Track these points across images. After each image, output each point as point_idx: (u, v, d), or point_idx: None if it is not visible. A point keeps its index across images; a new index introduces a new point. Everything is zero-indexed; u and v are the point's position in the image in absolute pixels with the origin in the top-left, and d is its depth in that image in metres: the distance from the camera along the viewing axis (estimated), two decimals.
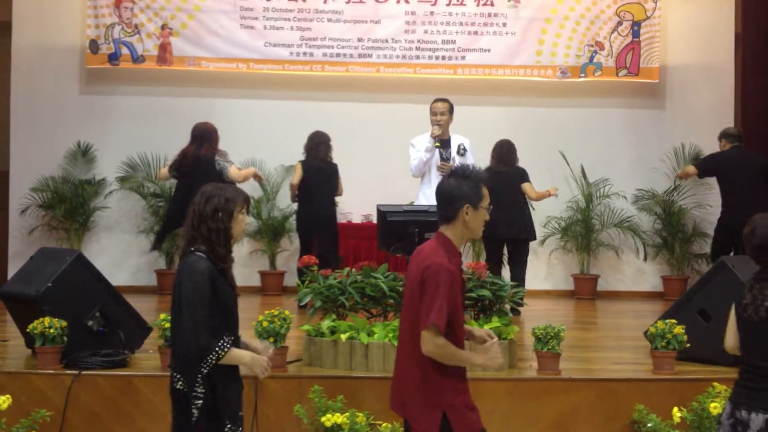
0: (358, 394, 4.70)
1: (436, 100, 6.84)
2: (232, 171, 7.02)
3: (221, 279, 3.32)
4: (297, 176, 7.87)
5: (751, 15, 8.89)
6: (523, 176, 7.65)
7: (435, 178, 6.68)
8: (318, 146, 7.88)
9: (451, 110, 6.78)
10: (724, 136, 8.04)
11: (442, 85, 9.27)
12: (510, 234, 7.45)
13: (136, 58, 9.16)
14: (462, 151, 6.69)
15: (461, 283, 3.27)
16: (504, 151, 7.72)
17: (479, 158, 8.98)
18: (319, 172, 7.82)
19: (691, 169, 8.26)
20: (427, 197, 6.67)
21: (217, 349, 3.22)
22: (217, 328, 3.25)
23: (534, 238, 7.82)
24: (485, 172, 3.27)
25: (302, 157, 8.00)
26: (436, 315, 3.10)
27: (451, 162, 6.60)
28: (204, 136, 7.16)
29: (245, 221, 3.42)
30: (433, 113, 6.77)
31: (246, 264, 9.11)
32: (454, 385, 3.19)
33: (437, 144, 6.63)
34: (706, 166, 8.16)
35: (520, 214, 7.55)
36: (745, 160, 7.84)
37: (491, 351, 3.12)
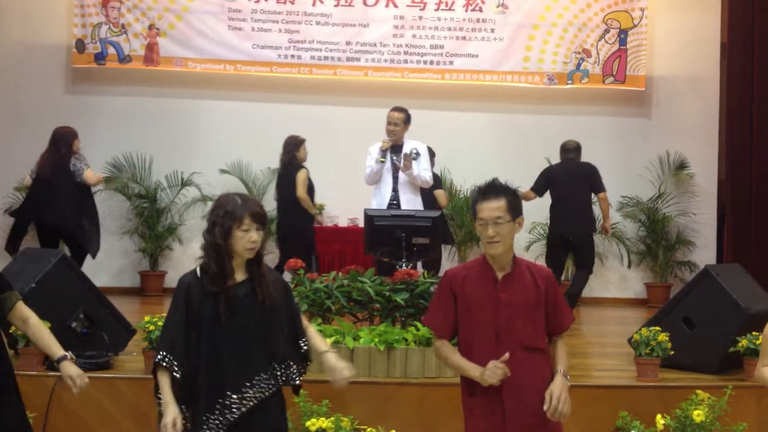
0: (344, 398, 4.69)
1: (393, 110, 6.86)
2: (87, 174, 7.09)
3: (203, 300, 3.07)
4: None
5: (737, 25, 8.96)
6: (439, 183, 7.71)
7: (384, 186, 6.76)
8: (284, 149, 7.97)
9: (406, 120, 6.82)
10: (560, 149, 7.86)
11: (429, 90, 9.31)
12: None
13: (123, 58, 9.12)
14: (414, 155, 6.71)
15: (480, 295, 3.18)
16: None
17: (467, 165, 9.08)
18: (281, 178, 7.99)
19: (528, 194, 7.69)
20: (378, 204, 6.72)
21: (156, 360, 3.08)
22: (193, 346, 3.09)
23: None
24: (476, 191, 3.23)
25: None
26: (426, 316, 3.38)
27: (411, 154, 6.65)
28: (62, 139, 7.19)
29: (249, 239, 3.08)
30: (387, 122, 6.82)
31: None
32: (470, 406, 3.22)
33: (382, 160, 6.70)
34: (536, 182, 7.81)
35: None
36: (568, 173, 7.67)
37: (488, 369, 3.07)
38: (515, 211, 3.17)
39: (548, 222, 9.30)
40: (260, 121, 9.21)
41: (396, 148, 6.79)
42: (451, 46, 9.30)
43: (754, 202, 8.70)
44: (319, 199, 9.10)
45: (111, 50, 9.10)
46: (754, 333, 5.06)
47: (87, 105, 9.15)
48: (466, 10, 9.30)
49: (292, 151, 7.92)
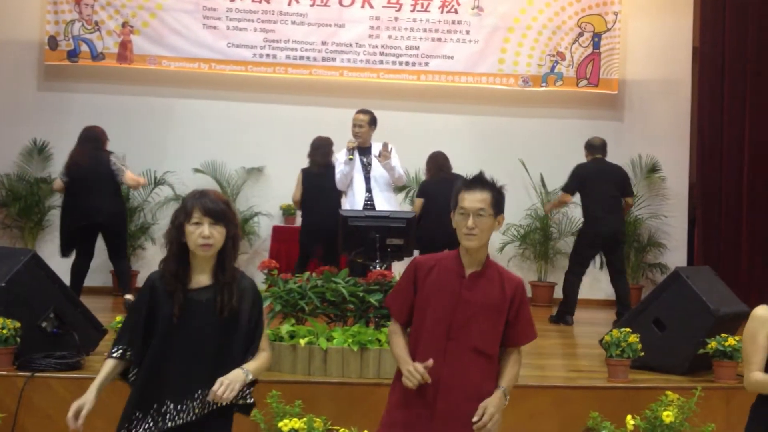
0: (316, 399, 4.68)
1: (358, 112, 6.91)
2: (128, 175, 7.10)
3: (164, 299, 2.93)
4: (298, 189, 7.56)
5: (709, 29, 9.08)
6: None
7: (357, 188, 6.79)
8: (316, 150, 7.59)
9: (371, 122, 6.88)
10: (585, 146, 7.85)
11: (405, 91, 9.32)
12: (451, 243, 7.43)
13: (96, 56, 9.05)
14: (379, 158, 6.77)
15: (442, 287, 3.09)
16: (439, 160, 7.74)
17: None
18: (322, 179, 7.46)
19: (566, 197, 7.76)
20: (351, 205, 6.74)
21: (112, 355, 3.01)
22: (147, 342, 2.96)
23: None
24: (461, 181, 3.15)
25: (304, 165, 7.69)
26: (388, 296, 3.33)
27: (388, 150, 6.69)
28: (98, 138, 7.22)
29: (201, 233, 2.89)
30: (353, 124, 6.85)
31: None
32: (395, 398, 3.13)
33: (350, 157, 6.72)
34: (571, 182, 7.73)
35: None
36: (603, 172, 7.65)
37: (410, 370, 2.96)
38: (498, 207, 3.10)
39: (528, 222, 9.39)
40: (235, 121, 9.18)
41: (364, 150, 6.83)
42: (427, 48, 9.32)
43: (724, 205, 8.83)
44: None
45: (84, 48, 9.02)
46: (722, 335, 5.14)
47: (59, 102, 9.07)
48: (442, 12, 9.33)
49: (330, 152, 7.57)
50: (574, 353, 6.30)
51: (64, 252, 7.28)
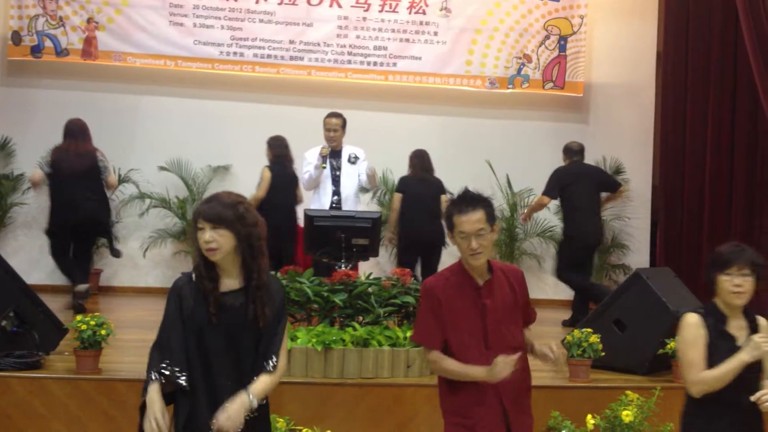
0: (279, 399, 4.67)
1: (330, 116, 6.91)
2: (111, 177, 7.17)
3: (195, 300, 2.94)
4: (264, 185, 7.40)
5: (672, 35, 9.21)
6: (443, 188, 7.69)
7: (324, 191, 6.82)
8: (286, 149, 7.54)
9: (344, 125, 6.90)
10: (564, 151, 7.92)
11: (372, 91, 9.33)
12: (429, 239, 7.47)
13: (60, 51, 8.93)
14: (353, 160, 6.80)
15: (464, 303, 3.22)
16: (425, 160, 7.77)
17: (403, 168, 9.11)
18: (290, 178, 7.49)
19: (544, 200, 7.75)
20: (319, 206, 6.77)
21: (150, 372, 2.94)
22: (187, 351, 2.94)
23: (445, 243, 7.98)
24: (451, 204, 3.25)
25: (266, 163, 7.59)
26: (415, 332, 3.39)
27: (350, 158, 6.75)
28: (84, 131, 7.20)
29: (203, 239, 2.91)
30: (326, 129, 6.86)
31: (169, 266, 8.98)
32: (454, 407, 3.30)
33: (323, 165, 6.74)
34: (551, 185, 7.71)
35: (438, 222, 7.60)
36: (583, 175, 7.69)
37: (498, 364, 3.07)
38: (492, 219, 3.22)
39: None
40: (201, 119, 9.12)
41: (334, 153, 6.84)
42: (395, 48, 9.34)
43: (686, 207, 8.96)
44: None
45: (48, 43, 8.91)
46: None
47: (23, 98, 8.94)
48: (410, 13, 9.35)
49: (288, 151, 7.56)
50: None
51: (56, 251, 7.16)
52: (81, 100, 8.96)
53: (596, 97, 9.68)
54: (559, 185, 7.68)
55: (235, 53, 9.15)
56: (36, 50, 8.89)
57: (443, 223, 3.48)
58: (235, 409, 2.86)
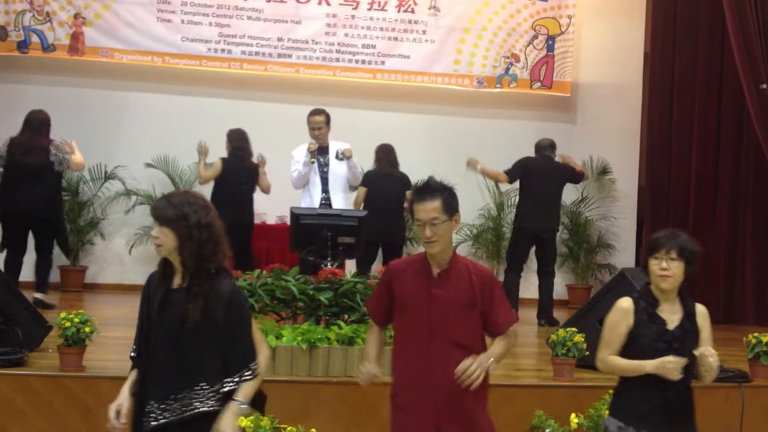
0: None
1: (313, 114, 6.87)
2: (75, 158, 7.10)
3: (152, 295, 3.01)
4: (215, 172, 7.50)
5: (659, 35, 9.24)
6: (408, 184, 7.64)
7: (313, 189, 6.79)
8: (246, 143, 7.57)
9: (327, 121, 6.87)
10: (534, 148, 7.96)
11: (361, 89, 9.34)
12: (387, 236, 7.46)
13: (47, 47, 8.89)
14: (340, 156, 6.77)
15: (415, 290, 3.23)
16: (391, 155, 7.76)
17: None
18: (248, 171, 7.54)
19: (502, 177, 7.91)
20: (308, 204, 6.76)
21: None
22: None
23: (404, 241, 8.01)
24: (413, 191, 3.30)
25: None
26: (368, 300, 3.60)
27: (338, 154, 6.72)
28: (43, 123, 7.15)
29: (154, 236, 3.00)
30: (311, 127, 6.84)
31: (155, 263, 8.89)
32: (394, 399, 3.37)
33: (312, 160, 6.72)
34: (513, 169, 7.87)
35: (400, 219, 7.61)
36: (546, 170, 7.77)
37: (365, 372, 3.26)
38: (451, 209, 3.20)
39: (480, 222, 9.46)
40: (189, 116, 9.09)
41: (321, 149, 6.82)
42: (383, 47, 9.35)
43: (672, 207, 9.00)
44: None
45: (35, 38, 8.86)
46: None
47: (9, 94, 8.89)
48: (399, 11, 9.36)
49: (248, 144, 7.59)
50: (522, 352, 6.36)
51: (3, 244, 7.11)
52: (68, 96, 8.93)
53: (584, 96, 9.72)
54: (521, 173, 7.79)
55: (223, 50, 9.13)
56: (23, 46, 8.85)
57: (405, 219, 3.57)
58: (228, 422, 2.89)
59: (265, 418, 4.53)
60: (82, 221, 8.85)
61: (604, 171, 9.57)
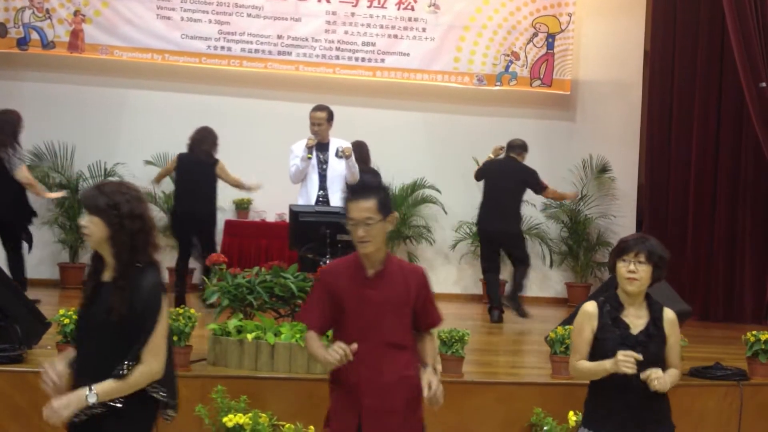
0: (263, 394, 4.68)
1: (315, 109, 6.87)
2: (22, 170, 6.97)
3: None
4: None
5: (660, 34, 9.25)
6: (378, 180, 7.66)
7: (311, 185, 6.78)
8: (204, 141, 7.59)
9: (329, 118, 6.85)
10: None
11: (360, 87, 9.33)
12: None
13: (47, 44, 8.89)
14: (340, 154, 6.77)
15: (350, 292, 3.17)
16: (363, 151, 7.76)
17: (396, 163, 9.15)
18: (204, 166, 7.55)
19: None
20: (305, 201, 6.76)
21: None
22: None
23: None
24: (347, 189, 3.28)
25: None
26: (301, 312, 3.52)
27: (338, 152, 6.71)
28: (8, 123, 7.01)
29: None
30: (312, 122, 6.83)
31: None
32: (333, 387, 3.27)
33: (309, 156, 6.71)
34: (477, 171, 8.02)
35: None
36: (504, 172, 7.79)
37: (334, 348, 3.07)
38: (386, 209, 3.15)
39: (473, 220, 9.45)
40: (188, 113, 9.05)
41: (321, 146, 6.81)
42: (383, 44, 9.34)
43: (671, 205, 9.01)
44: (246, 193, 9.04)
45: (34, 36, 8.86)
46: None
47: (8, 91, 8.86)
48: (398, 9, 9.35)
49: (214, 143, 7.64)
50: (521, 350, 6.39)
51: None
52: (67, 94, 8.94)
53: (583, 94, 9.72)
54: (482, 174, 7.88)
55: (222, 47, 9.13)
56: (22, 43, 8.84)
57: None
58: (63, 402, 2.77)
59: (264, 414, 4.54)
60: (78, 219, 8.83)
61: (603, 169, 9.57)
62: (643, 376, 3.17)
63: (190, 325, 4.81)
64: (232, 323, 5.13)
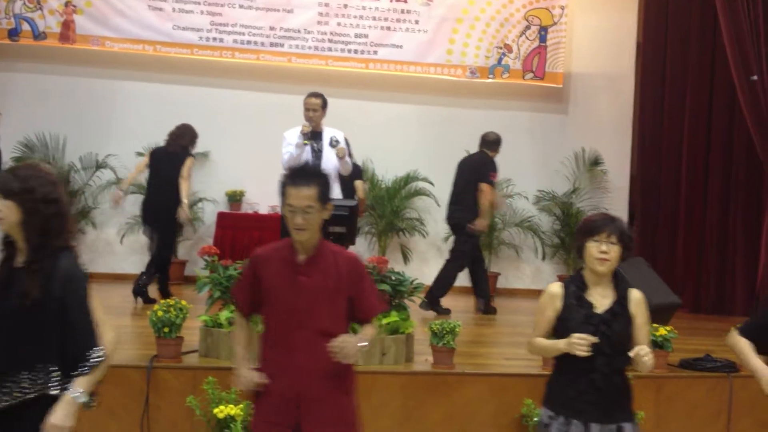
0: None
1: (310, 96, 6.86)
2: None
3: None
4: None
5: (652, 26, 9.26)
6: (359, 174, 7.65)
7: None
8: (182, 137, 7.52)
9: (324, 105, 6.83)
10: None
11: (353, 79, 9.32)
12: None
13: (38, 35, 8.85)
14: (334, 143, 6.76)
15: (281, 278, 3.11)
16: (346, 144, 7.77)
17: (389, 155, 9.16)
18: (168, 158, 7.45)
19: None
20: None
21: None
22: None
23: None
24: (287, 174, 3.14)
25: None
26: (233, 289, 3.54)
27: (332, 142, 6.70)
28: None
29: None
30: (306, 109, 6.81)
31: (146, 252, 8.92)
32: (264, 371, 3.16)
33: (306, 141, 6.69)
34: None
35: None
36: (463, 164, 7.84)
37: (248, 378, 3.12)
38: (325, 198, 3.11)
39: None
40: (180, 104, 9.06)
41: (315, 135, 6.79)
42: (376, 36, 9.33)
43: (662, 198, 9.04)
44: (239, 185, 9.03)
45: (25, 26, 8.82)
46: (654, 325, 5.26)
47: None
48: (391, 1, 9.34)
49: (192, 139, 7.57)
50: (513, 341, 6.39)
51: None
52: (58, 85, 8.90)
53: (576, 87, 9.72)
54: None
55: (214, 39, 9.10)
56: (13, 33, 8.80)
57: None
58: (59, 416, 2.73)
59: None
60: (73, 210, 8.82)
61: (595, 162, 9.59)
62: (632, 353, 3.15)
63: (181, 316, 4.81)
64: (224, 315, 5.12)
